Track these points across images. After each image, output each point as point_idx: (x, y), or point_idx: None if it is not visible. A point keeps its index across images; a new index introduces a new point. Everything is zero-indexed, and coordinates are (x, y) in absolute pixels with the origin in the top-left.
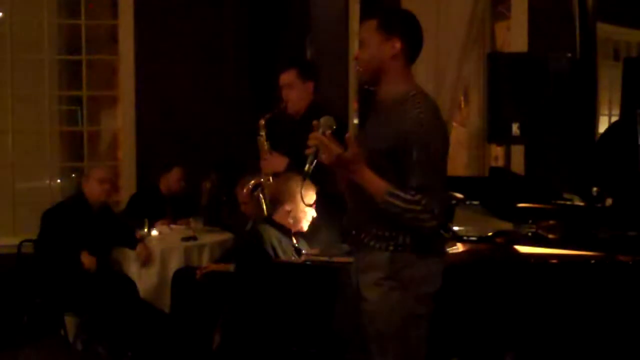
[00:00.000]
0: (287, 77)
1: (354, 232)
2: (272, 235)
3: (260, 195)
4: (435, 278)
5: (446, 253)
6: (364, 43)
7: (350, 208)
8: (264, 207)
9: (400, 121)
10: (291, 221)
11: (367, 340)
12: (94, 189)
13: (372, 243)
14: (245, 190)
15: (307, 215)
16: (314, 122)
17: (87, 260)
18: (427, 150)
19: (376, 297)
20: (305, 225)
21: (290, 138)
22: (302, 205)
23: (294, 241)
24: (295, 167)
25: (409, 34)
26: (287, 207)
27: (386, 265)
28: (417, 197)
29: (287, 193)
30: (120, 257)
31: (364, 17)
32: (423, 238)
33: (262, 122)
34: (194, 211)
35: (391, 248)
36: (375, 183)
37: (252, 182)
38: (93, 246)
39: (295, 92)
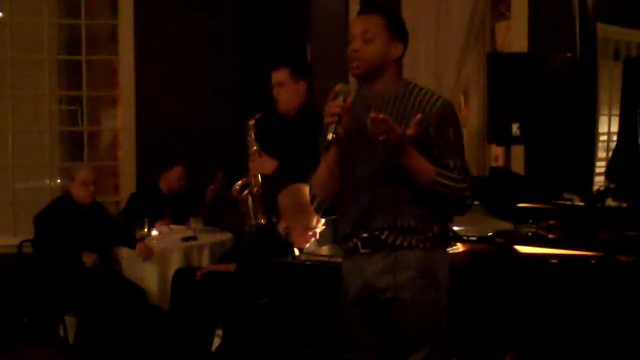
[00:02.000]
0: (279, 76)
1: (365, 234)
2: None
3: (249, 197)
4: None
5: None
6: (370, 38)
7: (356, 210)
8: (250, 210)
9: (426, 107)
10: (288, 237)
11: (398, 340)
12: (78, 192)
13: (398, 241)
14: (232, 191)
15: (306, 235)
16: (337, 87)
17: (89, 259)
18: (460, 129)
19: (412, 297)
20: (305, 243)
21: (282, 138)
22: (301, 225)
23: (297, 252)
24: (285, 169)
25: (406, 42)
26: (284, 224)
27: (419, 263)
28: (462, 175)
29: (286, 210)
30: (120, 257)
31: (365, 10)
32: (447, 230)
33: (252, 122)
34: (194, 211)
35: (421, 245)
36: (425, 164)
37: (240, 182)
38: (89, 245)
39: (286, 91)
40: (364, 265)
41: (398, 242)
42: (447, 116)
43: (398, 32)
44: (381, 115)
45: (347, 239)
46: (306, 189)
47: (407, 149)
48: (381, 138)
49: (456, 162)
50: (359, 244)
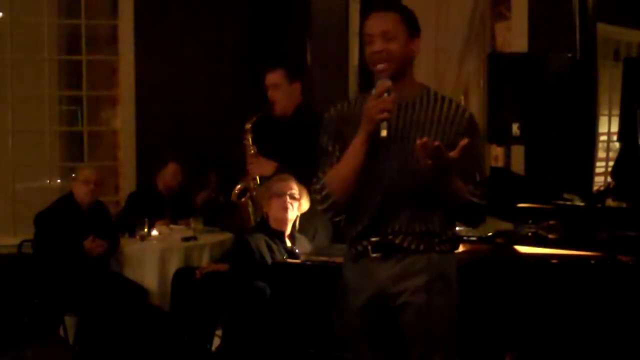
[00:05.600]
0: (274, 78)
1: (376, 238)
2: (259, 244)
3: (249, 201)
4: None
5: None
6: (392, 37)
7: (368, 214)
8: (251, 213)
9: (455, 117)
10: (273, 223)
11: (410, 346)
12: (80, 190)
13: (413, 246)
14: (232, 196)
15: (285, 215)
16: (385, 85)
17: (100, 247)
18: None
19: (428, 301)
20: (288, 226)
21: (281, 140)
22: (276, 206)
23: (288, 243)
24: (285, 169)
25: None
26: (265, 209)
27: (434, 267)
28: (484, 191)
29: (264, 195)
30: (120, 257)
31: (380, 8)
32: (456, 233)
33: (248, 126)
34: (193, 211)
35: (437, 248)
36: (460, 184)
37: (239, 186)
38: (100, 233)
39: (281, 93)
40: (375, 270)
41: (413, 246)
42: (476, 128)
43: (414, 27)
44: (436, 143)
45: (356, 243)
46: (280, 182)
47: (450, 171)
48: (429, 162)
49: (480, 176)
50: (370, 247)
